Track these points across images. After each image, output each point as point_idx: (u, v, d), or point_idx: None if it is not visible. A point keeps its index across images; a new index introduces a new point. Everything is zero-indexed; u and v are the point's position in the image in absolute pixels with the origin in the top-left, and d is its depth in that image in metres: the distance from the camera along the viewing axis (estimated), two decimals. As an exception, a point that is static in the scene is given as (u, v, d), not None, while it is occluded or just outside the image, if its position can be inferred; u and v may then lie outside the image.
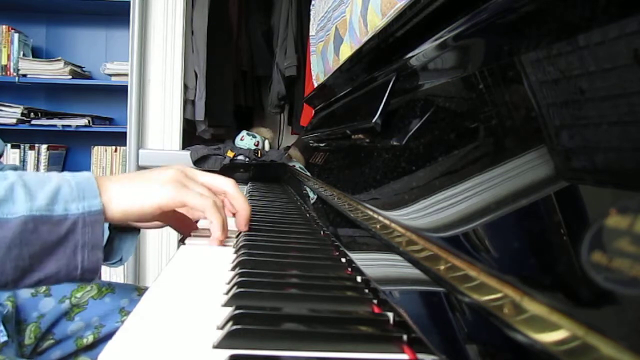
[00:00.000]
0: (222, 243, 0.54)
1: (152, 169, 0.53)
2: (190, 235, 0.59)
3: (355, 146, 0.67)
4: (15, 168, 0.83)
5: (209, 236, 0.55)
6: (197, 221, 0.66)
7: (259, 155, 1.98)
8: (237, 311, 0.31)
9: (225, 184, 0.57)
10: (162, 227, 0.64)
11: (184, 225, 0.62)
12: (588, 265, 0.19)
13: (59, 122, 2.23)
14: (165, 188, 0.49)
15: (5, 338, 0.68)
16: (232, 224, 0.58)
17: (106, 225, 0.64)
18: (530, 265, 0.23)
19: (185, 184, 0.51)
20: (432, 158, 0.39)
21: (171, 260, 0.49)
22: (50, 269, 0.44)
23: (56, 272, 0.44)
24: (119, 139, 2.18)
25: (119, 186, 0.48)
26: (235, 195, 0.58)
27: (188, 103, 1.99)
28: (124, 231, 0.69)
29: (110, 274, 2.23)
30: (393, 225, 0.39)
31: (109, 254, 0.67)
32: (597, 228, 0.19)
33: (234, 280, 0.39)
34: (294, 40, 2.20)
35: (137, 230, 0.71)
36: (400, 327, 0.31)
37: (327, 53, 1.27)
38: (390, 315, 0.33)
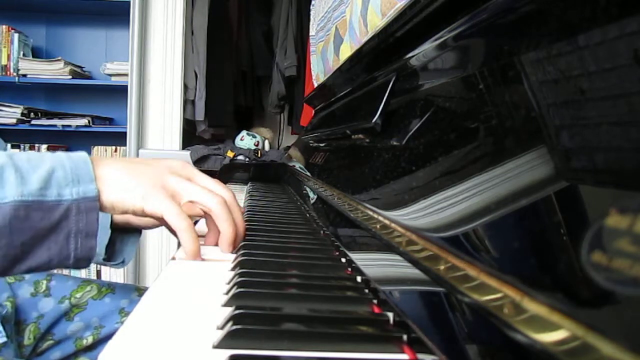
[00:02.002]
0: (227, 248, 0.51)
1: (155, 159, 0.50)
2: None
3: (355, 146, 0.67)
4: None
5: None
6: (196, 222, 0.66)
7: (259, 155, 1.98)
8: (237, 311, 0.31)
9: (223, 192, 0.51)
10: (159, 225, 0.61)
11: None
12: (588, 265, 0.19)
13: (59, 122, 2.23)
14: (151, 192, 0.46)
15: (5, 339, 0.68)
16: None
17: (108, 225, 0.64)
18: (530, 265, 0.23)
19: (174, 191, 0.48)
20: (432, 158, 0.39)
21: (171, 260, 0.49)
22: (42, 257, 0.42)
23: (48, 260, 0.42)
24: (119, 139, 2.18)
25: (114, 174, 0.45)
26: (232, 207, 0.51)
27: (188, 103, 1.99)
28: (125, 233, 0.69)
29: (110, 274, 2.23)
30: (393, 225, 0.39)
31: (112, 255, 0.67)
32: (597, 228, 0.19)
33: (234, 280, 0.39)
34: (294, 40, 2.20)
35: (138, 231, 0.71)
36: (400, 327, 0.31)
37: (327, 53, 1.27)
38: (390, 315, 0.33)
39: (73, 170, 0.43)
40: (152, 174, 0.47)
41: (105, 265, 0.67)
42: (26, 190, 0.40)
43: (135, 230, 0.70)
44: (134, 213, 0.46)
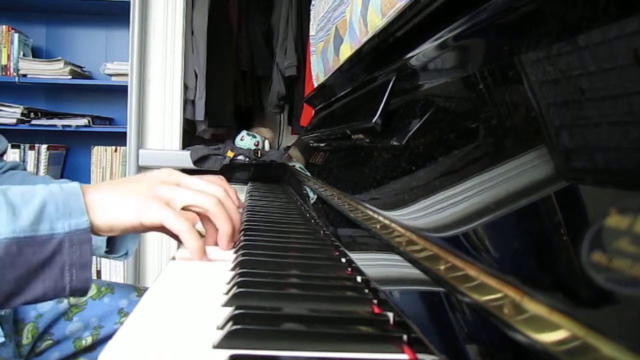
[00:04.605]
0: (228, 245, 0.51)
1: (142, 174, 0.52)
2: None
3: (355, 146, 0.67)
4: (16, 165, 0.83)
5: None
6: None
7: (259, 155, 1.98)
8: (237, 311, 0.31)
9: (214, 190, 0.53)
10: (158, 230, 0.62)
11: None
12: (588, 265, 0.19)
13: (59, 122, 2.23)
14: (145, 205, 0.46)
15: (3, 339, 0.68)
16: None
17: None
18: (530, 265, 0.23)
19: (167, 199, 0.48)
20: (432, 158, 0.39)
21: (171, 260, 0.49)
22: (37, 291, 0.42)
23: (43, 294, 0.43)
24: (119, 139, 2.18)
25: (105, 197, 0.46)
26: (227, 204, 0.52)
27: (188, 103, 1.99)
28: None
29: (110, 274, 2.23)
30: (393, 225, 0.39)
31: (113, 248, 0.67)
32: (597, 228, 0.19)
33: (234, 280, 0.39)
34: (294, 40, 2.20)
35: None
36: (400, 327, 0.31)
37: (327, 53, 1.27)
38: (390, 315, 0.33)
39: (65, 203, 0.43)
40: (141, 188, 0.49)
41: (107, 258, 0.67)
42: (18, 227, 0.40)
43: None
44: (134, 229, 0.47)
